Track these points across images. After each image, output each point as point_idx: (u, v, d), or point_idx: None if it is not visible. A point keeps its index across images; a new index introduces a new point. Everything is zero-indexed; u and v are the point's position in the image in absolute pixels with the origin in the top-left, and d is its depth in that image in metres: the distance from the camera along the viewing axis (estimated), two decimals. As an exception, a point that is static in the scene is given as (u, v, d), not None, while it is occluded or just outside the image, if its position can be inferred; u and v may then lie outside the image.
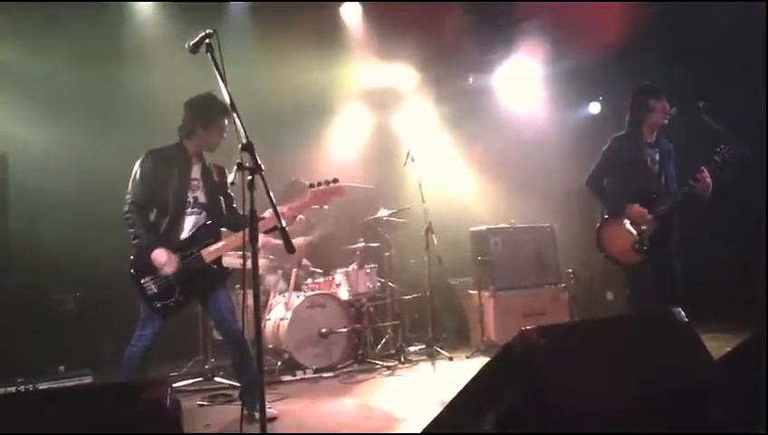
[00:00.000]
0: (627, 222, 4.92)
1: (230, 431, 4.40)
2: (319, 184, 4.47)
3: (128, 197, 4.34)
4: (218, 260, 4.46)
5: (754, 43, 6.56)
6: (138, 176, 4.36)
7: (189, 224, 4.41)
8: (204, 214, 4.47)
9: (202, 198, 4.48)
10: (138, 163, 4.39)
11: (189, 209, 4.42)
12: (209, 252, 4.36)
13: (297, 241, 6.58)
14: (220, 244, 4.42)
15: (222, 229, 4.60)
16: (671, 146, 5.17)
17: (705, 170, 4.71)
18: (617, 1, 6.93)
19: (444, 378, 5.85)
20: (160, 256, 4.20)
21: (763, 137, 6.47)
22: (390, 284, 7.19)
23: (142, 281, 4.23)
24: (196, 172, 4.51)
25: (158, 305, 4.24)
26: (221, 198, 4.61)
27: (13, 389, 5.18)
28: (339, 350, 6.36)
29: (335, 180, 4.49)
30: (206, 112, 4.42)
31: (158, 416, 2.15)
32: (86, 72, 6.57)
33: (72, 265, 6.52)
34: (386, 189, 7.91)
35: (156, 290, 4.23)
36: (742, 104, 6.53)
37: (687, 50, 7.15)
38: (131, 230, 4.29)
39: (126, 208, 4.32)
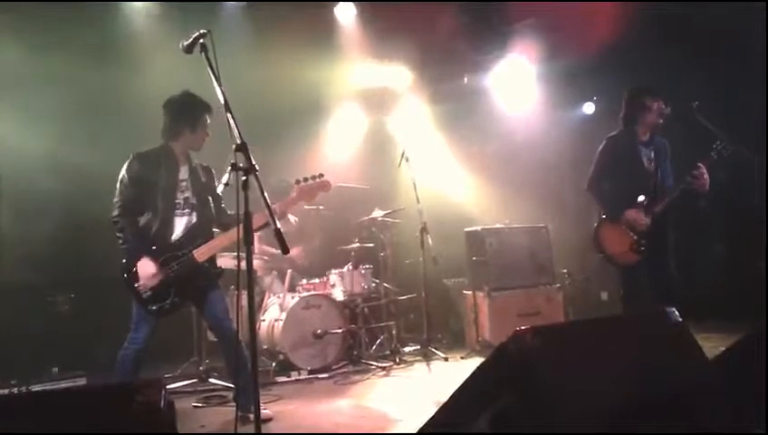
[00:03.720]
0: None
1: (225, 433, 4.39)
2: (305, 179, 4.47)
3: (116, 201, 4.33)
4: (211, 259, 4.47)
5: (754, 43, 6.57)
6: (125, 180, 4.35)
7: (180, 225, 4.41)
8: (194, 214, 4.47)
9: (191, 199, 4.48)
10: (124, 167, 4.39)
11: (179, 211, 4.42)
12: (201, 252, 4.36)
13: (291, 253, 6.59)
14: (212, 242, 4.42)
15: (214, 229, 4.60)
16: (666, 142, 5.17)
17: (703, 166, 4.72)
18: (611, 1, 6.94)
19: (439, 378, 5.85)
20: (146, 267, 4.21)
21: (764, 137, 6.49)
22: (385, 284, 7.18)
23: (136, 285, 4.23)
24: (183, 173, 4.51)
25: (154, 308, 4.25)
26: (209, 197, 4.60)
27: (6, 390, 5.16)
28: (334, 351, 6.36)
29: (321, 175, 4.51)
30: (191, 113, 4.43)
31: (152, 417, 2.15)
32: (79, 72, 6.53)
33: (66, 266, 6.50)
34: (380, 190, 7.90)
35: (150, 293, 4.23)
36: (741, 105, 6.56)
37: (682, 50, 7.16)
38: (120, 235, 4.29)
39: (115, 213, 4.31)
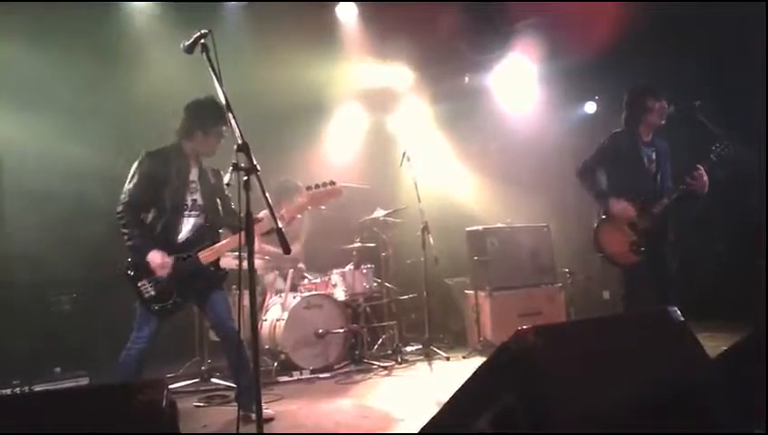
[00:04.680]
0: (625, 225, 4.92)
1: (226, 432, 4.39)
2: (316, 186, 4.47)
3: (122, 197, 4.34)
4: (216, 262, 4.47)
5: (754, 42, 6.57)
6: (135, 177, 4.36)
7: (188, 226, 4.42)
8: (202, 216, 4.48)
9: (200, 201, 4.49)
10: (135, 164, 4.40)
11: (187, 212, 4.43)
12: (206, 254, 4.37)
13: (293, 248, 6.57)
14: (217, 245, 4.42)
15: (220, 231, 4.60)
16: (667, 144, 5.18)
17: (702, 168, 4.73)
18: (613, 0, 6.93)
19: (441, 378, 5.85)
20: (155, 258, 4.22)
21: (763, 137, 6.48)
22: (387, 284, 7.18)
23: (139, 284, 4.24)
24: (193, 175, 4.52)
25: (156, 308, 4.26)
26: (218, 199, 4.61)
27: (9, 390, 5.17)
28: (335, 350, 6.37)
29: (332, 182, 4.51)
30: (208, 118, 4.43)
31: (154, 417, 2.15)
32: (82, 72, 6.55)
33: (69, 265, 6.51)
34: (382, 189, 7.90)
35: (153, 292, 4.24)
36: (741, 104, 6.55)
37: (684, 49, 7.16)
38: (125, 231, 4.29)
39: (120, 209, 4.32)
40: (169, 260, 4.26)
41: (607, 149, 5.12)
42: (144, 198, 4.35)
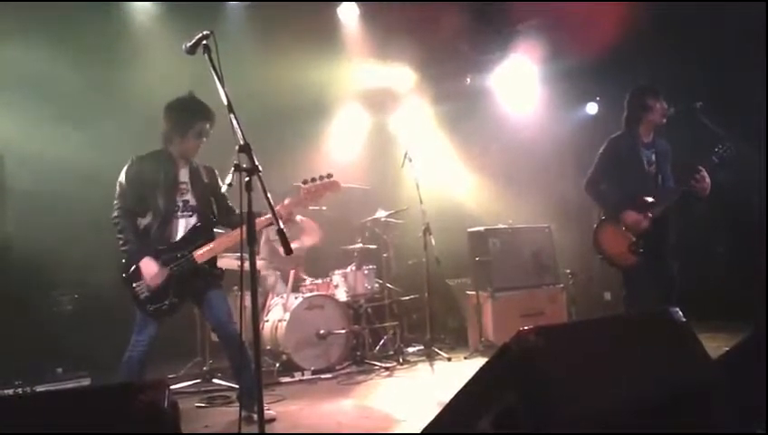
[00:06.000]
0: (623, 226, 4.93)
1: (228, 433, 4.39)
2: (312, 180, 4.29)
3: (116, 203, 4.36)
4: (211, 261, 4.46)
5: (754, 43, 6.56)
6: (124, 183, 4.37)
7: (181, 227, 4.42)
8: (195, 216, 4.47)
9: (192, 201, 4.48)
10: (124, 170, 4.41)
11: (180, 213, 4.42)
12: (201, 253, 4.36)
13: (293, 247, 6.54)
14: (212, 244, 4.41)
15: (217, 230, 4.60)
16: (668, 146, 5.18)
17: (704, 170, 4.73)
18: (615, 1, 6.93)
19: (442, 379, 5.85)
20: (149, 266, 4.22)
21: (764, 137, 6.48)
22: (388, 285, 7.17)
23: (134, 285, 4.24)
24: (183, 176, 4.50)
25: (151, 309, 4.25)
26: (212, 198, 4.60)
27: (11, 391, 5.17)
28: (337, 351, 6.36)
29: (329, 175, 4.34)
30: (181, 119, 4.42)
31: (155, 418, 2.15)
32: (83, 72, 6.55)
33: (70, 266, 6.51)
34: (383, 190, 7.90)
35: (148, 293, 4.23)
36: (741, 104, 6.54)
37: (684, 49, 7.15)
38: (120, 236, 4.31)
39: (115, 214, 4.34)
40: (164, 272, 4.25)
41: (606, 155, 5.13)
42: (136, 202, 4.36)
